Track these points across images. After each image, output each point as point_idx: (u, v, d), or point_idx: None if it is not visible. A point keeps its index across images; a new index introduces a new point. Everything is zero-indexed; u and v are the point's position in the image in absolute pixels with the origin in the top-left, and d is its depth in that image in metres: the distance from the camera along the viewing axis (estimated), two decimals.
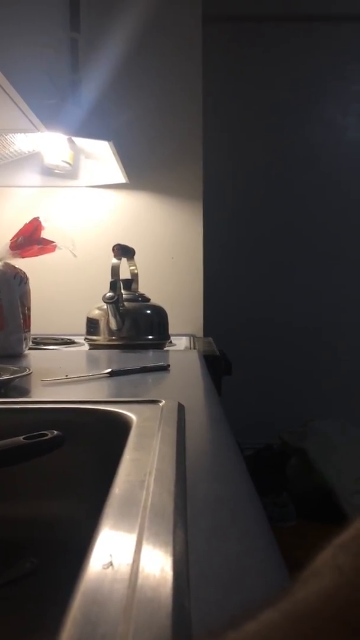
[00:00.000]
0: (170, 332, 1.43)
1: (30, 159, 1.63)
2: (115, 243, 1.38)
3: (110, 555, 0.24)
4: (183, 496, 0.33)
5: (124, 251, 1.39)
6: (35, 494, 0.57)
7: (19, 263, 1.18)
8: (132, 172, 1.72)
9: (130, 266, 1.46)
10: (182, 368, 1.03)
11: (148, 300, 1.41)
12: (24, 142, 1.45)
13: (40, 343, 1.41)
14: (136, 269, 1.46)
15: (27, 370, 0.78)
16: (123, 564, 0.24)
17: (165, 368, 0.94)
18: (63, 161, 1.55)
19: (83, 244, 1.68)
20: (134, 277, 1.45)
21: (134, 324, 1.32)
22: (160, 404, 0.58)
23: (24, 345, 1.13)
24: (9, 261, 1.16)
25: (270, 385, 2.63)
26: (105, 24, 1.68)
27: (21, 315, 1.11)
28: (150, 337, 1.34)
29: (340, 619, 0.15)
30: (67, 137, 1.49)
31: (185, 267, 1.78)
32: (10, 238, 1.28)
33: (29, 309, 1.17)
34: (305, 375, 2.65)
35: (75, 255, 1.43)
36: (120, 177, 1.69)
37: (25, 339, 1.14)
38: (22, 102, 1.01)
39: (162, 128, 1.76)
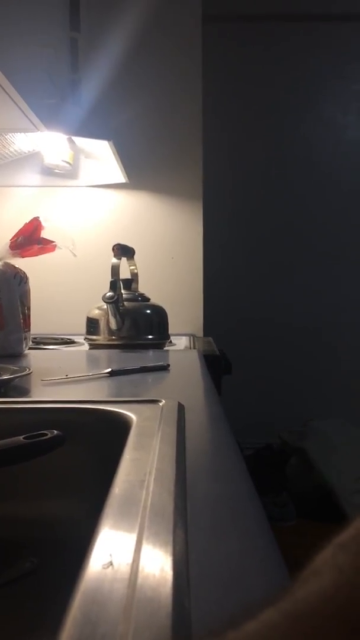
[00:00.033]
0: (170, 331, 1.43)
1: (30, 158, 1.63)
2: (115, 243, 1.38)
3: (110, 555, 0.24)
4: (183, 496, 0.33)
5: (123, 251, 1.39)
6: (35, 493, 0.57)
7: (19, 263, 1.18)
8: (132, 172, 1.72)
9: (130, 266, 1.46)
10: (182, 368, 1.03)
11: (148, 299, 1.41)
12: (23, 141, 1.45)
13: (40, 343, 1.41)
14: (136, 268, 1.46)
15: (27, 369, 0.78)
16: (123, 563, 0.24)
17: (165, 368, 0.94)
18: (63, 161, 1.55)
19: (83, 243, 1.68)
20: (134, 276, 1.45)
21: (133, 324, 1.32)
22: (160, 404, 0.58)
23: (24, 345, 1.13)
24: (9, 261, 1.16)
25: (270, 385, 2.63)
26: (105, 23, 1.68)
27: (21, 315, 1.11)
28: (150, 336, 1.34)
29: (340, 618, 0.15)
30: (67, 136, 1.49)
31: (185, 267, 1.78)
32: (10, 238, 1.28)
33: (28, 309, 1.17)
34: (305, 375, 2.65)
35: (75, 255, 1.43)
36: (120, 177, 1.69)
37: (25, 338, 1.14)
38: (22, 102, 1.01)
39: (162, 128, 1.76)
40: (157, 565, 0.23)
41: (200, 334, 1.78)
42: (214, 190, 2.27)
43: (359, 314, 2.65)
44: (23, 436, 0.46)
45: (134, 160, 1.72)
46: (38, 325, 1.28)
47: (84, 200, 1.77)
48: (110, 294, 1.28)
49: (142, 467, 0.37)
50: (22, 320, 1.12)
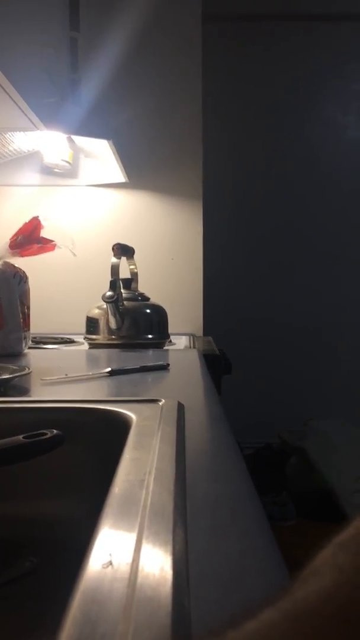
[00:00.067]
0: (170, 331, 1.43)
1: (30, 157, 1.63)
2: (115, 242, 1.38)
3: (110, 555, 0.24)
4: (183, 495, 0.33)
5: (123, 250, 1.39)
6: (35, 493, 0.57)
7: (19, 262, 1.18)
8: (132, 171, 1.72)
9: (129, 265, 1.46)
10: (181, 367, 1.03)
11: (148, 299, 1.41)
12: (23, 140, 1.45)
13: (39, 342, 1.41)
14: (136, 268, 1.46)
15: (27, 369, 0.78)
16: (123, 563, 0.24)
17: (165, 367, 0.94)
18: (62, 160, 1.55)
19: (83, 243, 1.68)
20: (134, 276, 1.45)
21: (133, 323, 1.32)
22: (160, 403, 0.58)
23: (24, 344, 1.13)
24: (8, 260, 1.16)
25: (270, 384, 2.63)
26: (104, 23, 1.68)
27: (21, 315, 1.11)
28: (150, 336, 1.34)
29: (340, 618, 0.14)
30: (66, 135, 1.49)
31: (185, 267, 1.78)
32: (10, 237, 1.28)
33: (28, 308, 1.16)
34: (305, 375, 2.65)
35: (74, 255, 1.43)
36: (119, 176, 1.69)
37: (25, 338, 1.14)
38: (21, 101, 1.01)
39: (162, 127, 1.76)
40: (157, 564, 0.23)
41: (200, 333, 1.78)
42: (214, 190, 2.27)
43: (359, 314, 2.65)
44: (23, 436, 0.46)
45: (134, 159, 1.72)
46: (38, 325, 1.28)
47: (83, 200, 1.77)
48: (110, 293, 1.28)
49: (141, 467, 0.37)
50: (21, 320, 1.12)
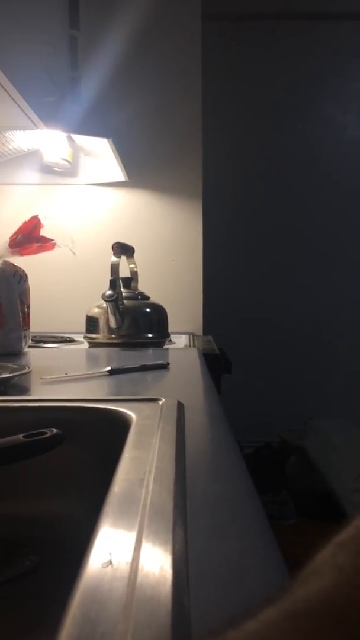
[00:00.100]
0: (169, 330, 1.43)
1: (30, 156, 1.62)
2: (115, 241, 1.38)
3: (110, 554, 0.24)
4: (182, 495, 0.33)
5: (123, 249, 1.39)
6: (34, 492, 0.57)
7: (18, 261, 1.18)
8: (132, 170, 1.72)
9: (129, 264, 1.46)
10: (181, 366, 1.03)
11: (148, 298, 1.41)
12: (23, 139, 1.45)
13: (39, 341, 1.41)
14: (136, 267, 1.46)
15: (27, 368, 0.78)
16: (122, 562, 0.23)
17: (164, 366, 0.94)
18: (62, 159, 1.55)
19: (82, 242, 1.68)
20: (134, 275, 1.45)
21: (133, 322, 1.32)
22: (160, 403, 0.58)
23: (24, 343, 1.13)
24: (8, 259, 1.16)
25: (269, 384, 2.63)
26: (104, 21, 1.68)
27: (20, 314, 1.11)
28: (149, 335, 1.34)
29: (340, 618, 0.14)
30: (66, 134, 1.49)
31: (185, 266, 1.78)
32: (10, 236, 1.27)
33: (28, 307, 1.16)
34: (305, 375, 2.65)
35: (74, 253, 1.43)
36: (119, 175, 1.69)
37: (25, 337, 1.14)
38: (21, 100, 1.01)
39: (162, 126, 1.76)
40: (157, 564, 0.23)
41: (200, 332, 1.78)
42: (214, 190, 2.27)
43: (359, 314, 2.65)
44: (22, 435, 0.46)
45: (134, 158, 1.72)
46: (37, 324, 1.28)
47: (83, 199, 1.77)
48: (109, 292, 1.28)
49: (141, 466, 0.37)
50: (21, 319, 1.12)
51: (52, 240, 1.31)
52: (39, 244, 1.29)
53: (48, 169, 1.64)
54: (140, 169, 1.75)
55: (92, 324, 1.35)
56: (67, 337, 1.50)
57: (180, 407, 0.57)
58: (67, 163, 1.57)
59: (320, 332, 2.65)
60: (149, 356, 1.18)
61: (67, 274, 1.75)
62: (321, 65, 2.59)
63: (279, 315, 2.63)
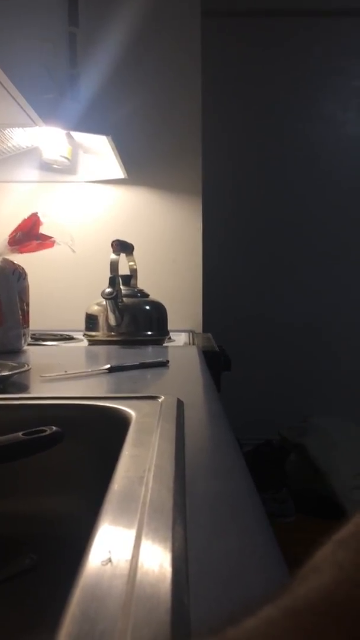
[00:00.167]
0: (169, 328, 1.43)
1: (29, 154, 1.62)
2: (114, 239, 1.38)
3: (109, 552, 0.24)
4: (182, 492, 0.33)
5: (122, 247, 1.39)
6: (34, 490, 0.57)
7: (18, 259, 1.18)
8: (131, 168, 1.72)
9: (129, 262, 1.46)
10: (181, 364, 1.03)
11: (147, 296, 1.41)
12: (22, 137, 1.44)
13: (39, 339, 1.40)
14: (135, 264, 1.46)
15: (26, 366, 0.77)
16: (122, 560, 0.23)
17: (164, 364, 0.94)
18: (61, 156, 1.55)
19: (82, 239, 1.68)
20: (133, 272, 1.45)
21: (133, 320, 1.32)
22: (160, 400, 0.58)
23: (23, 341, 1.13)
24: (7, 257, 1.16)
25: (269, 381, 2.64)
26: (103, 18, 1.67)
27: (20, 311, 1.11)
28: (149, 333, 1.34)
29: (340, 615, 0.14)
30: (65, 131, 1.48)
31: (184, 263, 1.78)
32: (9, 233, 1.27)
33: (27, 305, 1.16)
34: (305, 372, 2.65)
35: (74, 251, 1.42)
36: (119, 173, 1.69)
37: (24, 334, 1.14)
38: (20, 97, 1.00)
39: (161, 123, 1.75)
40: (156, 561, 0.23)
41: (200, 330, 1.78)
42: (213, 187, 2.26)
43: (359, 314, 2.65)
44: (22, 432, 0.46)
45: (133, 155, 1.71)
46: (37, 322, 1.28)
47: (82, 196, 1.77)
48: (109, 290, 1.27)
49: (141, 464, 0.37)
50: (21, 317, 1.11)
51: (52, 237, 1.30)
52: (38, 242, 1.28)
53: (47, 167, 1.64)
54: (140, 167, 1.75)
55: (91, 321, 1.35)
56: (67, 335, 1.50)
57: (180, 404, 0.57)
58: (66, 160, 1.56)
59: (320, 330, 2.65)
60: (148, 354, 1.18)
61: (67, 271, 1.75)
62: (321, 63, 2.58)
63: (278, 313, 2.64)
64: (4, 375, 0.72)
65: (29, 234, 1.26)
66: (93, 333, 1.34)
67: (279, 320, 2.64)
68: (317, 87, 2.59)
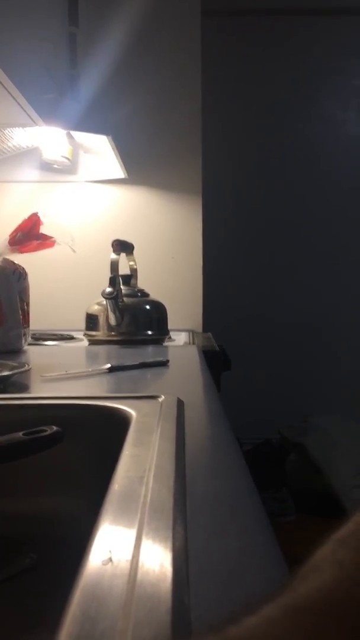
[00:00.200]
0: (169, 327, 1.43)
1: (29, 154, 1.62)
2: (114, 238, 1.38)
3: (110, 551, 0.24)
4: (182, 492, 0.33)
5: (123, 246, 1.39)
6: (34, 489, 0.57)
7: (18, 258, 1.18)
8: (131, 167, 1.72)
9: (129, 261, 1.46)
10: (181, 364, 1.03)
11: (147, 295, 1.41)
12: (22, 136, 1.44)
13: (39, 339, 1.40)
14: (135, 264, 1.46)
15: (27, 366, 0.78)
16: (122, 559, 0.23)
17: (164, 363, 0.94)
18: (62, 156, 1.55)
19: (82, 239, 1.68)
20: (133, 272, 1.45)
21: (133, 320, 1.32)
22: (160, 400, 0.58)
23: (23, 341, 1.13)
24: (7, 257, 1.16)
25: (269, 381, 2.64)
26: (103, 18, 1.67)
27: (20, 311, 1.11)
28: (149, 332, 1.34)
29: (340, 614, 0.14)
30: (65, 131, 1.48)
31: (184, 263, 1.78)
32: (9, 233, 1.27)
33: (28, 305, 1.16)
34: (305, 372, 2.65)
35: (74, 251, 1.43)
36: (119, 172, 1.69)
37: (25, 334, 1.14)
38: (20, 97, 1.00)
39: (161, 123, 1.75)
40: (157, 561, 0.23)
41: (200, 329, 1.78)
42: (213, 187, 2.26)
43: (359, 314, 2.65)
44: (22, 432, 0.46)
45: (133, 155, 1.71)
46: (37, 321, 1.28)
47: (82, 196, 1.77)
48: (109, 289, 1.27)
49: (141, 463, 0.37)
50: (21, 316, 1.11)
51: (52, 237, 1.31)
52: (38, 242, 1.29)
53: (47, 167, 1.64)
54: (140, 166, 1.75)
55: (91, 321, 1.35)
56: (67, 335, 1.50)
57: (180, 404, 0.57)
58: (66, 160, 1.56)
59: (320, 329, 2.65)
60: (148, 353, 1.18)
61: (67, 271, 1.75)
62: (321, 62, 2.58)
63: (278, 313, 2.63)
64: (4, 375, 0.72)
65: (29, 234, 1.26)
66: (93, 333, 1.34)
67: (279, 320, 2.64)
68: (317, 87, 2.59)
